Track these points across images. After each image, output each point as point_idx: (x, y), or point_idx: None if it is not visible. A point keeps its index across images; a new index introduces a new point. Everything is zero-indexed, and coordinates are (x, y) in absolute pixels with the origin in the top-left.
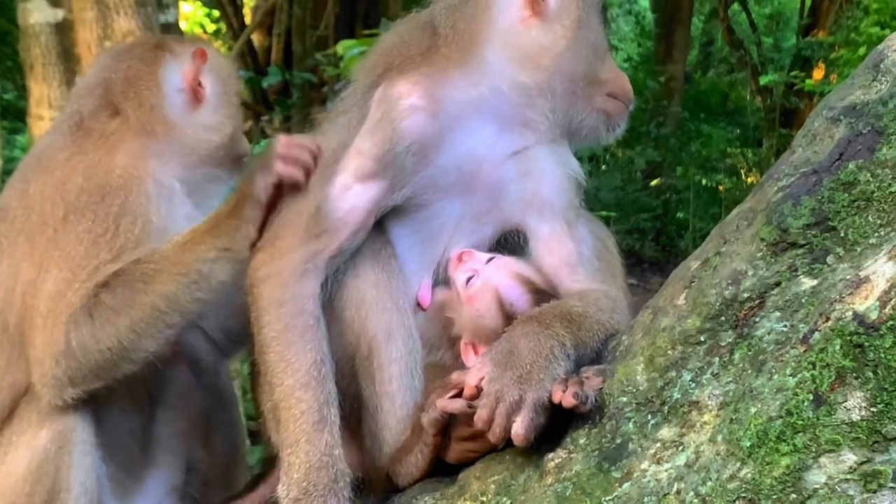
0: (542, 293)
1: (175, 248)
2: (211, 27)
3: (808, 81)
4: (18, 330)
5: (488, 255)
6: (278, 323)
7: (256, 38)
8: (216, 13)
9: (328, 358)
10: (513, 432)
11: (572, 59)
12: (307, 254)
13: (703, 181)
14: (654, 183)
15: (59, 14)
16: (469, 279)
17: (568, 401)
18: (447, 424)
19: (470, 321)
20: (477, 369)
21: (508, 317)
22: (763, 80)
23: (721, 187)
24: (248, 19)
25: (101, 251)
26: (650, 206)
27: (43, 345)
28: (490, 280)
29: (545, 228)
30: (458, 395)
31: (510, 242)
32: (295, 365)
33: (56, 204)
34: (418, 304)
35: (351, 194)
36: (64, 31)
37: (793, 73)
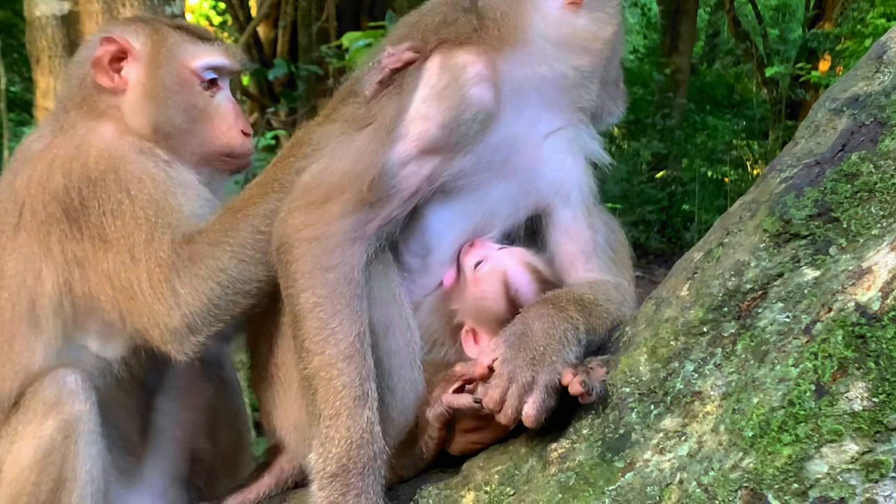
0: (549, 284)
1: (264, 173)
2: (217, 19)
3: (814, 73)
4: (46, 319)
5: (500, 245)
6: (323, 288)
7: (262, 31)
8: (222, 5)
9: (368, 331)
10: (524, 413)
11: (616, 45)
12: (359, 220)
13: (709, 173)
14: (659, 175)
15: (65, 6)
16: (478, 264)
17: (575, 388)
18: (452, 418)
19: (473, 304)
20: (490, 350)
21: (513, 303)
22: (769, 72)
23: (727, 179)
24: (253, 11)
25: (136, 213)
26: (656, 198)
27: (149, 307)
28: (499, 264)
29: (567, 214)
30: (462, 387)
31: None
32: (339, 335)
33: (47, 203)
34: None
35: (412, 162)
36: (70, 24)
37: (799, 65)
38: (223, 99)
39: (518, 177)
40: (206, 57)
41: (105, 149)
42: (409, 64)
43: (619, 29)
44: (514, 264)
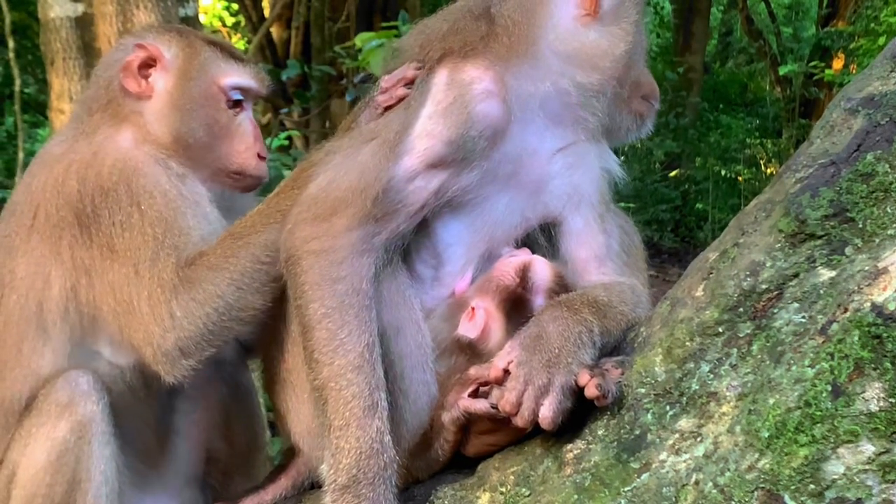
0: (566, 291)
1: (267, 202)
2: (230, 20)
3: (827, 71)
4: (53, 322)
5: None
6: (332, 300)
7: (275, 31)
8: (235, 6)
9: (378, 342)
10: (540, 415)
11: (627, 64)
12: (366, 233)
13: (723, 172)
14: (673, 174)
15: (79, 8)
16: (513, 256)
17: (591, 391)
18: (468, 421)
19: (489, 277)
20: (506, 353)
21: (524, 285)
22: (782, 71)
23: (740, 178)
24: (266, 12)
25: (144, 229)
26: (669, 198)
27: (145, 325)
28: (529, 257)
29: (579, 221)
30: (477, 390)
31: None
32: (347, 345)
33: (60, 207)
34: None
35: (419, 177)
36: (84, 26)
37: (812, 64)
38: (245, 119)
39: (525, 190)
40: (236, 76)
41: (120, 158)
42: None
43: (632, 47)
44: (541, 261)
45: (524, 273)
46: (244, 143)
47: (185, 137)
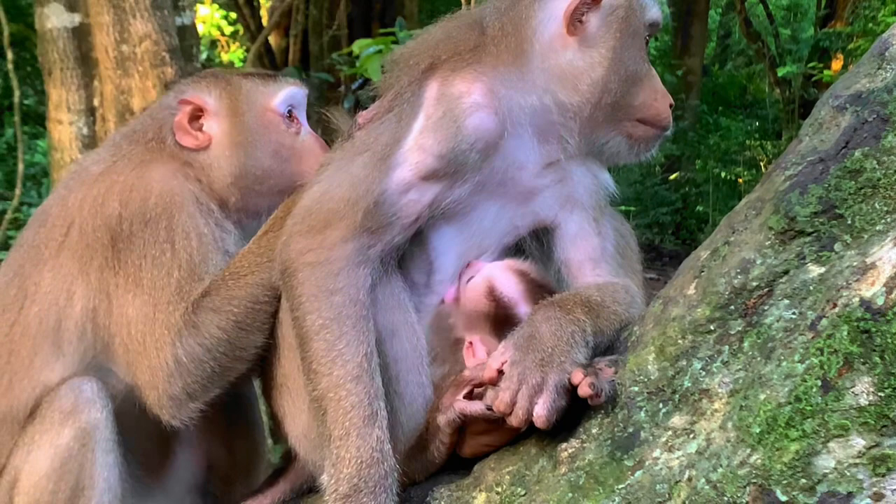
0: (540, 286)
1: (257, 241)
2: (228, 29)
3: (826, 72)
4: (69, 341)
5: (492, 260)
6: (329, 311)
7: (273, 40)
8: (233, 15)
9: (375, 351)
10: (535, 414)
11: (604, 88)
12: (361, 245)
13: (723, 174)
14: (673, 177)
15: (76, 19)
16: (470, 279)
17: (584, 390)
18: (463, 423)
19: (464, 312)
20: (499, 353)
21: (499, 304)
22: (781, 72)
23: (740, 180)
24: (265, 21)
25: (171, 270)
26: (669, 200)
27: (152, 369)
28: (486, 273)
29: (573, 225)
30: (472, 392)
31: (525, 248)
32: (346, 356)
33: (97, 227)
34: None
35: (411, 190)
36: (81, 36)
37: (811, 65)
38: (306, 135)
39: (514, 200)
40: (280, 94)
41: (168, 190)
42: None
43: (609, 72)
44: (499, 271)
45: (492, 293)
46: (314, 158)
47: (251, 171)
